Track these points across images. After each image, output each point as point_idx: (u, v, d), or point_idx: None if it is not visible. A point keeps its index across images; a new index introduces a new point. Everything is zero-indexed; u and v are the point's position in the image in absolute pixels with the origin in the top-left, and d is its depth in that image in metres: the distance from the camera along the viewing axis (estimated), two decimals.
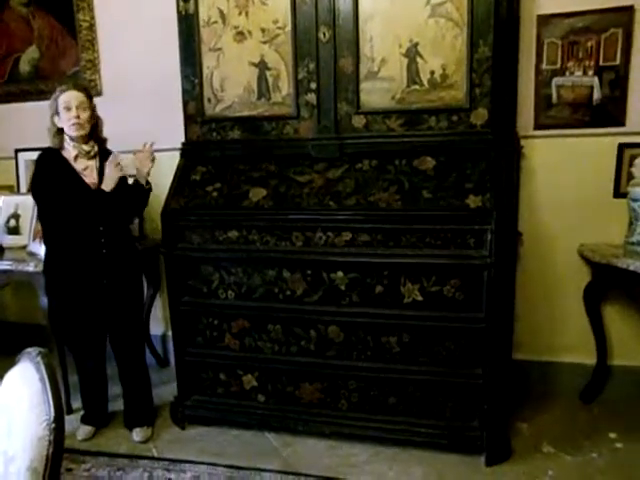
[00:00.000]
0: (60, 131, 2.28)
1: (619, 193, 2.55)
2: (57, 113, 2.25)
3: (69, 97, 2.23)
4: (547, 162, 2.58)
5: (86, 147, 2.29)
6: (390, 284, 2.19)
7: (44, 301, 2.67)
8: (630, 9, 2.38)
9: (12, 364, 1.33)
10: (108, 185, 2.23)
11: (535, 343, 2.75)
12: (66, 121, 2.23)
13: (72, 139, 2.27)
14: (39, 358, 1.29)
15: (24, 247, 2.96)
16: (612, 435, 2.41)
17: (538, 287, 2.70)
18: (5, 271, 2.78)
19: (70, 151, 2.28)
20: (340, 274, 2.23)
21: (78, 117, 2.22)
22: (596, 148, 2.54)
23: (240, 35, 2.41)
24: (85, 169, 2.29)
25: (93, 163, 2.31)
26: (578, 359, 2.69)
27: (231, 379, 2.51)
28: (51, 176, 2.23)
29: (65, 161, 2.27)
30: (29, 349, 1.33)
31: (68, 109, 2.22)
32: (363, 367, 2.31)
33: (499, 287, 2.12)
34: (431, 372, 2.25)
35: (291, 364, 2.39)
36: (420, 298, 2.19)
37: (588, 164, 2.55)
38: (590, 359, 2.65)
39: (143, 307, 2.52)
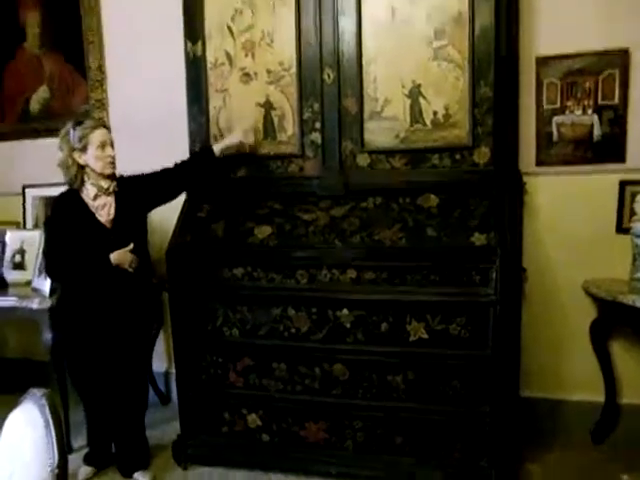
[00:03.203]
0: (81, 168, 2.23)
1: (622, 229, 2.56)
2: (83, 149, 2.19)
3: (104, 135, 2.22)
4: (550, 198, 2.60)
5: (104, 183, 2.26)
6: (395, 322, 2.19)
7: (47, 337, 2.68)
8: (625, 52, 2.44)
9: (14, 401, 1.33)
10: (114, 260, 2.20)
11: (543, 380, 2.71)
12: (100, 159, 2.20)
13: (94, 176, 2.23)
14: (44, 400, 1.28)
15: (28, 283, 2.96)
16: (624, 477, 2.35)
17: (544, 323, 2.68)
18: (9, 308, 2.78)
19: (89, 189, 2.25)
20: (345, 312, 2.23)
21: (114, 156, 2.23)
22: (598, 184, 2.56)
23: (246, 76, 2.47)
24: (103, 206, 2.26)
25: (111, 199, 2.29)
26: (587, 397, 2.65)
27: (235, 418, 2.48)
28: (67, 218, 2.22)
29: (82, 202, 2.24)
30: (34, 390, 1.32)
31: (103, 147, 2.20)
32: (369, 406, 2.28)
33: (505, 324, 2.11)
34: (438, 411, 2.22)
35: (296, 403, 2.37)
36: (426, 336, 2.18)
37: (590, 200, 2.57)
38: (599, 397, 2.60)
39: (151, 347, 2.49)
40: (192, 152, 2.54)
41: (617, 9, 2.45)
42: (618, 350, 2.61)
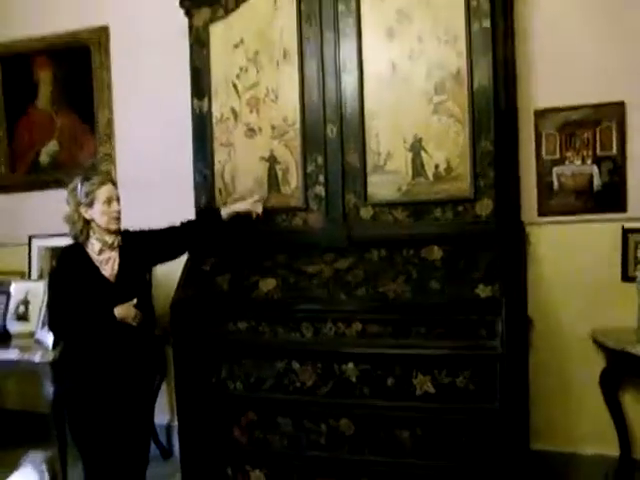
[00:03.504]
0: (87, 222, 2.23)
1: (627, 277, 2.55)
2: (89, 205, 2.20)
3: (110, 191, 2.23)
4: (553, 248, 2.60)
5: (109, 238, 2.25)
6: (401, 376, 2.16)
7: (48, 391, 2.65)
8: (621, 104, 2.50)
9: (13, 458, 1.30)
10: (118, 314, 2.19)
11: (553, 433, 2.64)
12: (105, 214, 2.20)
13: (100, 231, 2.23)
14: (43, 466, 1.26)
15: (31, 334, 2.95)
16: None
17: (552, 373, 2.63)
18: (11, 361, 2.76)
19: (94, 244, 2.25)
20: (351, 366, 2.20)
21: (119, 211, 2.24)
22: (601, 233, 2.57)
23: (251, 131, 2.53)
24: (107, 261, 2.26)
25: (115, 254, 2.28)
26: (600, 450, 2.57)
27: (238, 475, 2.41)
28: (71, 272, 2.21)
29: (86, 256, 2.24)
30: (34, 453, 1.30)
31: (110, 202, 2.21)
32: (375, 462, 2.23)
33: (513, 377, 2.08)
34: (446, 467, 2.17)
35: (301, 459, 2.31)
36: (432, 390, 2.14)
37: (594, 249, 2.57)
38: (614, 450, 2.52)
39: (154, 400, 2.44)
40: (199, 211, 2.58)
41: (611, 63, 2.51)
42: (630, 401, 2.56)
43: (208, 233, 2.48)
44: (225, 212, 2.48)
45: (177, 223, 2.43)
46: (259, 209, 2.50)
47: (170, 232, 2.40)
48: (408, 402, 2.17)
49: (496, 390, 2.09)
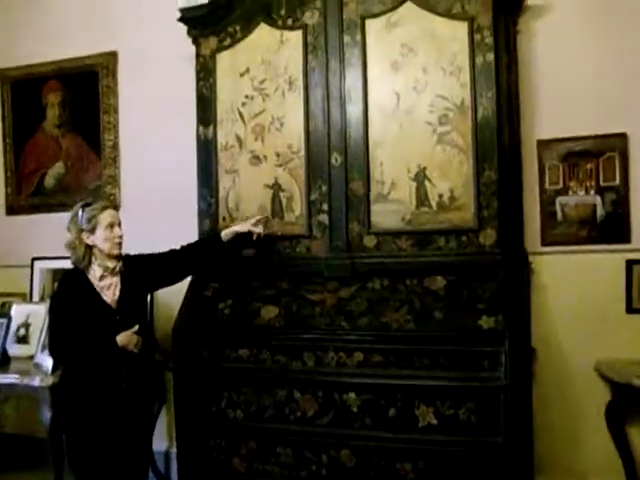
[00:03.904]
0: (89, 248, 2.23)
1: (632, 309, 2.54)
2: (91, 231, 2.20)
3: (112, 216, 2.24)
4: (557, 278, 2.59)
5: (110, 264, 2.25)
6: (404, 407, 2.14)
7: (46, 416, 2.62)
8: (623, 135, 2.51)
9: None
10: (120, 342, 2.18)
11: (558, 466, 2.59)
12: (109, 239, 2.20)
13: (102, 257, 2.23)
14: None
15: (31, 357, 2.93)
16: None
17: (556, 404, 2.59)
18: (10, 384, 2.73)
19: (95, 270, 2.24)
20: (352, 395, 2.18)
21: (122, 236, 2.24)
22: (604, 264, 2.56)
23: (256, 159, 2.55)
24: (109, 287, 2.26)
25: (117, 279, 2.29)
26: None
27: None
28: (73, 298, 2.21)
29: (88, 282, 2.24)
30: None
31: (112, 227, 2.21)
32: None
33: (516, 409, 2.06)
34: None
35: None
36: (435, 422, 2.12)
37: (598, 279, 2.56)
38: None
39: (152, 427, 2.42)
40: (200, 235, 2.58)
41: (614, 95, 2.54)
42: (637, 434, 2.51)
43: (209, 256, 2.47)
44: (225, 233, 2.48)
45: (178, 247, 2.43)
46: (259, 229, 2.49)
47: (171, 256, 2.40)
48: (410, 434, 2.14)
49: (499, 422, 2.07)
